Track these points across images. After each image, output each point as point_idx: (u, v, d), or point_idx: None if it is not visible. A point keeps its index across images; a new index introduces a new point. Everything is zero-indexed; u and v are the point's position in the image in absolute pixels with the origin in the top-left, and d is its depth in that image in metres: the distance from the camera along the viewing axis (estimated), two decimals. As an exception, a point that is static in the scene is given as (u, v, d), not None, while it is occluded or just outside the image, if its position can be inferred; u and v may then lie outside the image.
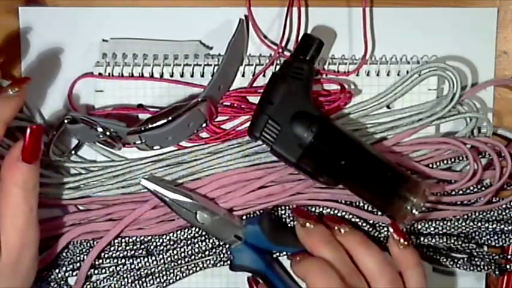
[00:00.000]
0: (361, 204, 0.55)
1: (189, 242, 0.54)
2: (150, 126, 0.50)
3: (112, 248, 0.55)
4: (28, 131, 0.46)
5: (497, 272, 0.55)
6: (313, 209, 0.54)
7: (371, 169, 0.50)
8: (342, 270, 0.50)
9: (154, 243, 0.54)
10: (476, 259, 0.55)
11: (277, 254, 0.56)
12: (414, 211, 0.49)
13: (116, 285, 0.55)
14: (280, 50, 0.53)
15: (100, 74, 0.54)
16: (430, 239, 0.54)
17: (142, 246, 0.55)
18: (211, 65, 0.54)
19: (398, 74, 0.54)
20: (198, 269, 0.55)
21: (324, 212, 0.54)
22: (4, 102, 0.47)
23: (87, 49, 0.54)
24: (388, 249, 0.54)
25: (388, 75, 0.54)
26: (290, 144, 0.50)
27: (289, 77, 0.50)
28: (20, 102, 0.48)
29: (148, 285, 0.55)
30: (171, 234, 0.54)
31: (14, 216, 0.46)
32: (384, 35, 0.55)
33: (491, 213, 0.55)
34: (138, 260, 0.54)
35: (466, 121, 0.55)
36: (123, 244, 0.55)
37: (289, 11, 0.53)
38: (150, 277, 0.55)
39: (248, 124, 0.52)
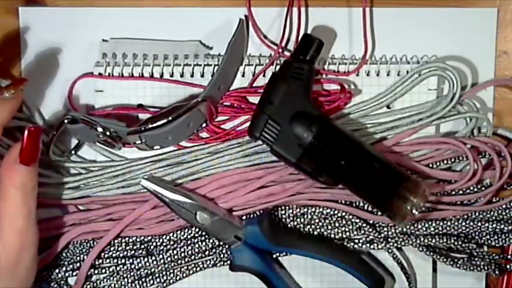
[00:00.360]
0: (361, 204, 0.54)
1: (189, 242, 0.54)
2: (150, 126, 0.50)
3: (112, 248, 0.55)
4: (26, 132, 0.46)
5: (497, 272, 0.55)
6: (313, 209, 0.54)
7: (371, 169, 0.50)
8: None
9: (154, 243, 0.54)
10: (476, 259, 0.55)
11: (277, 254, 0.56)
12: (414, 211, 0.49)
13: (116, 285, 0.55)
14: (280, 50, 0.53)
15: (100, 74, 0.53)
16: (430, 239, 0.54)
17: (142, 246, 0.55)
18: (211, 65, 0.53)
19: (398, 74, 0.54)
20: (198, 269, 0.55)
21: (324, 212, 0.54)
22: (0, 104, 0.46)
23: (87, 49, 0.54)
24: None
25: (388, 75, 0.54)
26: (290, 144, 0.50)
27: (289, 77, 0.50)
28: (16, 104, 0.48)
29: (148, 285, 0.55)
30: (171, 234, 0.54)
31: (12, 218, 0.46)
32: (384, 35, 0.55)
33: (491, 213, 0.55)
34: (138, 260, 0.54)
35: (466, 121, 0.55)
36: (123, 244, 0.55)
37: (289, 11, 0.53)
38: (150, 277, 0.55)
39: (248, 124, 0.52)
